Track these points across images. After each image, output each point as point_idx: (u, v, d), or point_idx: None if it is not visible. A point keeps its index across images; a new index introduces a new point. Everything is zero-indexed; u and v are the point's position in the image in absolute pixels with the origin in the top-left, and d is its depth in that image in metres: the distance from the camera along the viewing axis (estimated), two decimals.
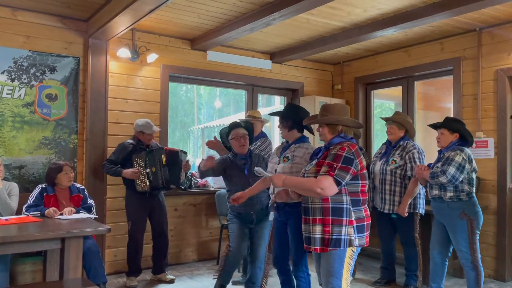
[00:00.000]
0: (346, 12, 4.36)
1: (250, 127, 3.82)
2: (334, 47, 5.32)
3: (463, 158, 3.54)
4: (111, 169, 4.29)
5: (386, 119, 4.32)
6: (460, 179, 3.54)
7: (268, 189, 3.43)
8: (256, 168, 2.91)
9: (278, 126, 3.36)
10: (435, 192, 3.67)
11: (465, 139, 3.68)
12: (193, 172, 5.61)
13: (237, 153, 3.70)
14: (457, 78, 4.99)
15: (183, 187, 5.09)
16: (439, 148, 3.82)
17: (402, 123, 4.24)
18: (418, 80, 5.63)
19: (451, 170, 3.50)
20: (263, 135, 4.69)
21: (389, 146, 4.29)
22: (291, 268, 3.34)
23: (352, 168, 2.56)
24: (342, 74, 6.42)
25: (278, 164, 3.25)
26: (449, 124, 3.70)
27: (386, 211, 4.18)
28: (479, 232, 3.63)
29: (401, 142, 4.21)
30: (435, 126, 3.84)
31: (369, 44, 5.43)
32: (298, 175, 2.95)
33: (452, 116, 5.08)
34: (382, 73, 5.85)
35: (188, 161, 4.49)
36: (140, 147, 4.38)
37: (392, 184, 4.14)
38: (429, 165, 4.14)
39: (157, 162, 4.31)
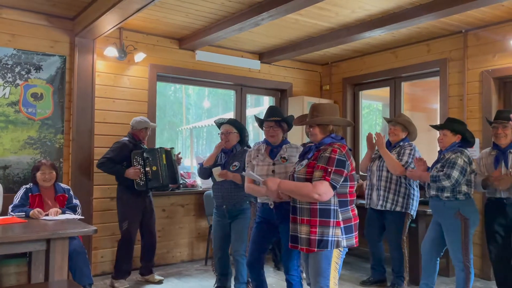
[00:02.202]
0: (334, 13, 4.39)
1: (238, 125, 3.87)
2: (322, 47, 5.35)
3: (464, 161, 3.55)
4: (112, 168, 4.24)
5: (390, 120, 4.35)
6: (462, 182, 3.55)
7: (243, 186, 3.44)
8: (244, 173, 3.02)
9: (271, 129, 3.28)
10: (433, 192, 3.69)
11: (467, 140, 3.69)
12: (181, 172, 5.59)
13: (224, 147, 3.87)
14: (443, 79, 5.04)
15: (181, 183, 5.07)
16: (439, 149, 3.83)
17: (406, 126, 4.26)
18: (405, 81, 5.68)
19: (455, 174, 3.49)
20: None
21: (389, 147, 4.30)
22: (264, 271, 3.37)
23: (345, 170, 2.58)
24: (330, 74, 6.45)
25: (274, 164, 3.22)
26: (452, 126, 3.69)
27: (378, 207, 4.21)
28: (473, 233, 3.64)
29: (401, 143, 4.24)
30: (437, 127, 3.84)
31: (357, 45, 5.46)
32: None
33: (438, 117, 5.15)
34: (370, 74, 5.89)
35: (179, 153, 4.56)
36: (138, 145, 4.37)
37: (388, 181, 4.17)
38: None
39: (158, 161, 4.31)
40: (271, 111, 3.37)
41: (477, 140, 4.69)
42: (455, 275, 3.75)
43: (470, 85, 4.81)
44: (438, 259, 3.86)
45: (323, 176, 2.53)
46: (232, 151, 3.84)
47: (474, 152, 4.71)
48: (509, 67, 4.50)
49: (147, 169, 4.28)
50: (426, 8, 4.06)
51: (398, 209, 4.14)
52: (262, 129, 3.40)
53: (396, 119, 4.32)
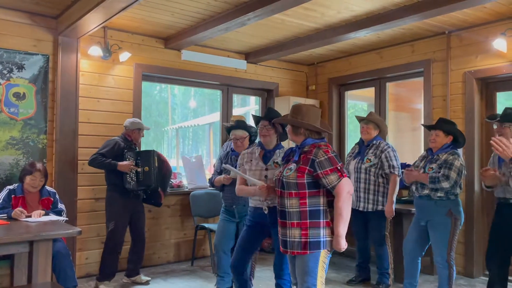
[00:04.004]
0: (320, 14, 4.41)
1: (249, 128, 3.84)
2: (308, 48, 5.37)
3: (461, 163, 3.62)
4: (104, 162, 4.17)
5: (362, 119, 4.39)
6: (459, 183, 3.62)
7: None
8: (224, 165, 3.11)
9: (264, 128, 3.24)
10: (426, 191, 3.70)
11: (457, 141, 3.75)
12: None
13: (233, 150, 3.86)
14: (427, 79, 5.11)
15: (168, 192, 4.97)
16: (428, 148, 3.87)
17: (378, 123, 4.33)
18: (390, 81, 5.74)
19: (453, 175, 3.55)
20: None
21: (363, 145, 4.36)
22: (248, 272, 3.39)
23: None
24: (316, 75, 6.49)
25: (267, 169, 3.20)
26: (445, 127, 3.74)
27: (360, 209, 4.24)
28: (458, 231, 3.71)
29: (374, 141, 4.30)
30: (430, 127, 3.88)
31: (343, 45, 5.50)
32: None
33: (422, 117, 5.22)
34: (355, 74, 5.94)
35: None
36: (130, 146, 4.35)
37: (367, 182, 4.22)
38: (403, 164, 4.22)
39: (151, 162, 4.29)
40: (268, 111, 3.37)
41: None
42: (438, 274, 3.80)
43: (453, 86, 4.88)
44: (420, 258, 3.90)
45: (340, 176, 2.59)
46: None
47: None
48: (491, 68, 4.58)
49: (139, 169, 4.25)
50: (410, 10, 4.11)
51: (380, 208, 4.20)
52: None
53: (368, 117, 4.36)
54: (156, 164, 4.36)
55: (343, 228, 2.60)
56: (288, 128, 2.81)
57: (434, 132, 3.76)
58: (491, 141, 2.69)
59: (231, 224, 3.83)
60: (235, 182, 3.58)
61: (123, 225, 4.30)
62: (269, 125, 3.23)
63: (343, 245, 2.61)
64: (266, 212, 3.15)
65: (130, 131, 4.38)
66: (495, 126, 3.53)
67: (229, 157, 3.87)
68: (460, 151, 3.81)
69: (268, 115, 3.28)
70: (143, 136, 4.54)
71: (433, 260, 3.91)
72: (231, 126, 3.87)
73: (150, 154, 4.37)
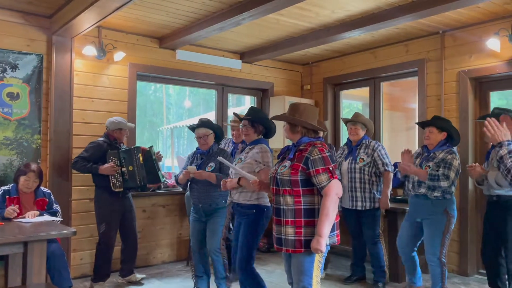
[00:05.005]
0: (315, 13, 4.41)
1: (212, 126, 3.94)
2: (303, 47, 5.38)
3: (458, 163, 3.66)
4: (85, 166, 4.15)
5: (349, 121, 4.43)
6: (455, 182, 3.69)
7: (219, 186, 3.54)
8: (218, 158, 3.35)
9: (244, 127, 3.42)
10: (422, 190, 3.72)
11: (452, 138, 3.77)
12: (163, 172, 5.54)
13: (199, 148, 3.96)
14: (421, 79, 5.13)
15: (165, 181, 4.98)
16: (423, 145, 3.90)
17: (365, 123, 4.40)
18: (384, 81, 5.76)
19: (452, 174, 3.59)
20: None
21: (352, 146, 4.39)
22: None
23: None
24: (311, 74, 6.50)
25: (236, 165, 3.36)
26: (438, 123, 3.77)
27: (359, 208, 4.26)
28: (451, 230, 3.75)
29: (363, 141, 4.36)
30: (423, 124, 3.92)
31: (337, 45, 5.51)
32: (253, 174, 3.16)
33: (417, 116, 5.25)
34: (350, 74, 5.95)
35: (158, 152, 4.51)
36: (114, 146, 4.29)
37: (362, 181, 4.25)
38: (396, 163, 4.25)
39: (134, 161, 4.24)
40: (249, 111, 3.48)
41: None
42: (430, 273, 3.85)
43: (448, 85, 4.91)
44: (415, 252, 3.96)
45: (330, 176, 2.60)
46: (208, 152, 3.88)
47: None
48: (485, 68, 4.61)
49: (123, 169, 4.20)
50: (405, 9, 4.13)
51: (376, 205, 4.24)
52: None
53: (354, 119, 4.41)
54: (141, 161, 4.28)
55: (327, 228, 2.57)
56: (285, 126, 2.84)
57: (428, 129, 3.79)
58: (485, 121, 2.68)
59: (200, 224, 3.86)
60: (202, 180, 3.73)
61: (114, 226, 4.27)
62: (248, 124, 3.39)
63: (323, 246, 2.55)
64: (227, 205, 3.35)
65: (111, 131, 4.32)
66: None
67: (196, 156, 3.96)
68: (455, 149, 3.84)
69: (247, 114, 3.43)
70: (127, 135, 4.46)
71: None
72: (193, 125, 3.95)
73: (132, 152, 4.27)
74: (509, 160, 2.40)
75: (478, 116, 4.71)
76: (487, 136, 2.74)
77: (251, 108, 3.52)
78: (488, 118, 2.63)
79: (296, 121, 2.75)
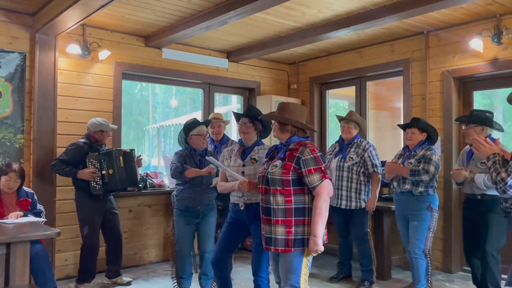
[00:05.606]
0: (301, 13, 4.43)
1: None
2: (289, 47, 5.39)
3: (438, 158, 3.88)
4: (64, 170, 4.09)
5: (343, 118, 4.43)
6: (436, 176, 3.86)
7: (215, 188, 3.49)
8: (207, 158, 3.20)
9: (244, 125, 3.25)
10: (407, 186, 3.88)
11: (431, 138, 3.98)
12: (148, 172, 5.50)
13: (195, 149, 3.83)
14: (406, 78, 5.19)
15: (141, 186, 4.97)
16: (406, 146, 4.08)
17: (358, 122, 4.39)
18: (370, 80, 5.80)
19: (432, 169, 3.77)
20: (227, 139, 4.74)
21: (343, 144, 4.40)
22: (230, 269, 3.40)
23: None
24: (297, 74, 6.51)
25: (244, 166, 3.20)
26: (419, 124, 3.96)
27: (343, 207, 4.28)
28: (435, 225, 3.91)
29: (355, 140, 4.36)
30: (404, 126, 4.09)
31: (324, 44, 5.53)
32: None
33: (402, 116, 5.30)
34: (336, 73, 5.98)
35: (139, 156, 4.44)
36: (94, 147, 4.21)
37: (349, 180, 4.26)
38: (382, 162, 4.32)
39: (115, 163, 4.17)
40: (248, 109, 3.38)
41: (438, 138, 4.85)
42: (414, 269, 3.93)
43: (432, 85, 4.97)
44: None
45: (322, 176, 2.62)
46: (205, 152, 3.86)
47: (436, 149, 4.88)
48: (468, 67, 4.67)
49: (104, 172, 4.12)
50: (390, 9, 4.17)
51: (363, 205, 4.24)
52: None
53: (349, 117, 4.41)
54: (122, 164, 4.20)
55: (322, 228, 2.61)
56: (274, 125, 2.82)
57: (410, 130, 3.98)
58: (473, 139, 2.74)
59: (191, 227, 3.82)
60: (199, 182, 3.69)
61: (97, 228, 4.22)
62: (249, 122, 3.24)
63: (321, 246, 2.60)
64: (242, 208, 3.16)
65: (92, 132, 4.24)
66: (464, 127, 3.80)
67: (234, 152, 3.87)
68: (438, 149, 3.94)
69: (248, 112, 3.30)
70: (109, 137, 4.39)
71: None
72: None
73: (112, 155, 4.19)
74: (494, 174, 2.50)
75: (459, 116, 4.78)
76: (474, 148, 2.81)
77: (250, 106, 3.42)
78: (475, 137, 2.70)
79: (288, 120, 2.75)
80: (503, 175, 2.41)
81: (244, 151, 3.28)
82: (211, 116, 4.97)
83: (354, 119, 4.39)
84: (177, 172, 3.72)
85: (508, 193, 2.41)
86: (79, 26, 4.41)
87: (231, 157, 3.31)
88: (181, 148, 3.93)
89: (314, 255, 2.65)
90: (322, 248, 2.61)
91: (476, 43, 4.46)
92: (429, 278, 3.91)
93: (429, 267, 3.89)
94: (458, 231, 4.81)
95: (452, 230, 4.79)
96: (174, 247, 3.90)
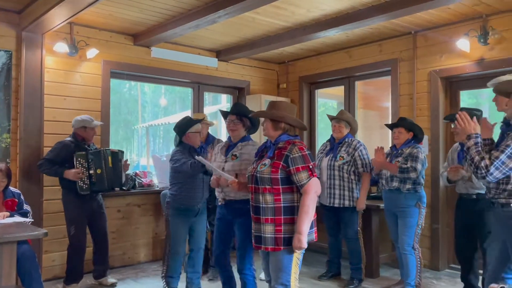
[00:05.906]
0: (291, 12, 4.44)
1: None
2: (279, 46, 5.40)
3: (424, 156, 4.00)
4: (50, 169, 4.05)
5: (334, 117, 4.45)
6: (423, 174, 3.96)
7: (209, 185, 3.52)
8: (197, 157, 3.18)
9: (232, 123, 3.26)
10: (395, 184, 3.96)
11: (417, 137, 4.07)
12: (137, 172, 5.47)
13: (191, 146, 3.82)
14: (394, 78, 5.23)
15: (125, 188, 4.94)
16: (393, 145, 4.18)
17: (349, 122, 4.42)
18: (358, 80, 5.84)
19: (419, 166, 3.87)
20: (212, 138, 4.72)
21: (334, 143, 4.42)
22: (231, 266, 3.42)
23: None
24: (287, 73, 6.53)
25: (225, 162, 3.24)
26: (405, 124, 4.06)
27: (336, 205, 4.30)
28: (423, 221, 4.00)
29: (346, 139, 4.38)
30: (391, 126, 4.17)
31: (313, 44, 5.55)
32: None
33: (390, 115, 5.35)
34: (325, 73, 6.01)
35: (126, 160, 4.41)
36: (81, 146, 4.17)
37: (341, 179, 4.28)
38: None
39: (103, 163, 4.13)
40: (235, 106, 3.41)
41: (426, 137, 4.91)
42: (403, 265, 3.99)
43: (419, 85, 5.02)
44: None
45: (310, 175, 2.63)
46: (200, 149, 3.98)
47: (424, 148, 4.94)
48: (455, 67, 4.73)
49: (91, 171, 4.08)
50: (378, 9, 4.20)
51: (354, 204, 4.27)
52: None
53: (340, 116, 4.44)
54: (110, 164, 4.17)
55: (307, 226, 2.61)
56: (266, 123, 2.80)
57: (397, 129, 4.08)
58: (456, 115, 2.76)
59: (187, 226, 3.82)
60: (201, 180, 3.73)
61: (83, 228, 4.18)
62: (236, 119, 3.26)
63: (305, 243, 2.60)
64: (220, 204, 3.22)
65: (77, 129, 4.18)
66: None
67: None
68: (426, 148, 3.99)
69: (235, 109, 3.33)
70: (95, 134, 4.33)
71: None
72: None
73: (101, 154, 4.15)
74: (474, 151, 2.52)
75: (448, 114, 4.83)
76: (457, 131, 2.85)
77: (236, 104, 3.46)
78: (459, 112, 2.73)
79: (281, 117, 2.75)
80: (487, 161, 2.45)
81: (229, 147, 3.32)
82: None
83: (345, 118, 4.41)
84: (198, 167, 3.48)
85: (487, 179, 2.46)
86: (66, 24, 4.37)
87: (218, 153, 3.39)
88: (176, 147, 3.86)
89: (298, 252, 2.66)
90: (305, 245, 2.60)
91: (463, 44, 4.51)
92: (419, 274, 3.96)
93: (419, 263, 3.96)
94: (445, 229, 4.87)
95: (440, 228, 4.85)
96: (168, 247, 3.84)
